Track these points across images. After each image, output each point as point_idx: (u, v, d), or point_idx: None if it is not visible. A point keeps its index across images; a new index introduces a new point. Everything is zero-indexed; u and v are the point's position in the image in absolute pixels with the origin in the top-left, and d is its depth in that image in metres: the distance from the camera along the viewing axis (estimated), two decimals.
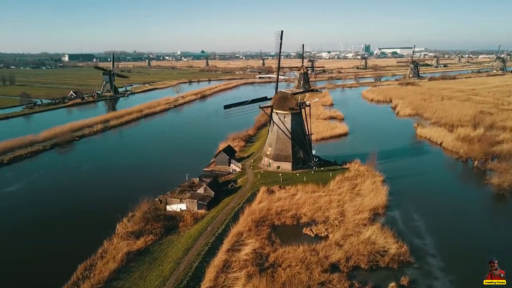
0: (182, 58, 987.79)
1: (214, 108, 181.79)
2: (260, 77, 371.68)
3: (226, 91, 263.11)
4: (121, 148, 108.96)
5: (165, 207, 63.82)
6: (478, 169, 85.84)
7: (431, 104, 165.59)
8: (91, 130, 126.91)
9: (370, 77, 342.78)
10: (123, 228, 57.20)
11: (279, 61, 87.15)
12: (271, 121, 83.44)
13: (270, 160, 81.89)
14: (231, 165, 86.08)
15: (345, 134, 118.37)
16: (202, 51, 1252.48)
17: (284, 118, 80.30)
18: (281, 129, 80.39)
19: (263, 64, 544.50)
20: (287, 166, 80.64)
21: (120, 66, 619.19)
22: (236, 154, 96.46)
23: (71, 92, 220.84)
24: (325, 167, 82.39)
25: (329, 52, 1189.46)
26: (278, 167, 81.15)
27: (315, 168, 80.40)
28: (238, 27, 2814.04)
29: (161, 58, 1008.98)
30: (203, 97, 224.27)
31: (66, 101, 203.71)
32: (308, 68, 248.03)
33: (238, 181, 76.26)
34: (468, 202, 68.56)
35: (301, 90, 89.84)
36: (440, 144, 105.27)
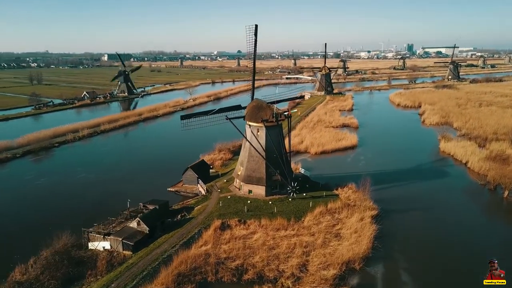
0: (218, 58, 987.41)
1: None
2: (287, 78, 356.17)
3: (244, 92, 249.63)
4: (95, 158, 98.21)
5: (88, 245, 51.23)
6: (509, 201, 66.93)
7: (465, 111, 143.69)
8: (76, 135, 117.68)
9: (405, 78, 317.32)
10: (21, 275, 45.04)
11: (254, 61, 72.05)
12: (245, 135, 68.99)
13: (240, 183, 67.43)
14: (198, 185, 72.46)
15: (352, 147, 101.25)
16: (239, 51, 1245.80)
17: (258, 132, 65.57)
18: (253, 145, 65.74)
19: (295, 64, 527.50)
20: (260, 190, 65.84)
21: (153, 65, 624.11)
22: (213, 170, 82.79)
23: (85, 92, 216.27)
24: (309, 193, 66.82)
25: (368, 51, 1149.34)
26: (250, 191, 66.53)
27: (293, 194, 65.07)
28: (275, 27, 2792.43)
29: (197, 58, 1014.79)
30: (218, 99, 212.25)
31: (76, 102, 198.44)
32: (332, 69, 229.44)
33: (196, 208, 62.50)
34: (491, 251, 50.74)
35: (294, 96, 74.38)
36: (465, 164, 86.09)
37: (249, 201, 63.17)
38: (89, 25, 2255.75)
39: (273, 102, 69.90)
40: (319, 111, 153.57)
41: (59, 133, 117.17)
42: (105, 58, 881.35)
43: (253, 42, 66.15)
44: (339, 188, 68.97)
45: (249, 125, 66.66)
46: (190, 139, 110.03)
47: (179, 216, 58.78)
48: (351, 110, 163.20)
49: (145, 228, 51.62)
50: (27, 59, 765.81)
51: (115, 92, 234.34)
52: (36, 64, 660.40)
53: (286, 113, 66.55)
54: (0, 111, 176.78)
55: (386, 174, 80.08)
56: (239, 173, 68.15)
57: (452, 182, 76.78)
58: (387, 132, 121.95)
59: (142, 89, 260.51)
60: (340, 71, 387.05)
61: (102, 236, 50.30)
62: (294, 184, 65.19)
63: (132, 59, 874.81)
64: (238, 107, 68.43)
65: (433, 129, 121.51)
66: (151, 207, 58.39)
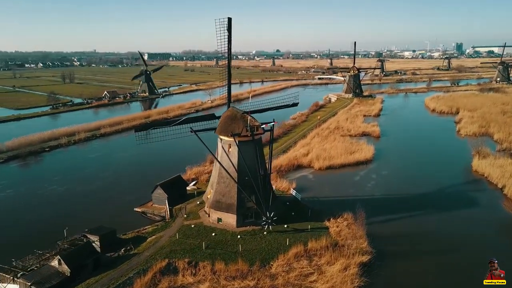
0: (255, 57, 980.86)
1: None
2: (319, 78, 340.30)
3: (269, 93, 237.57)
4: (78, 166, 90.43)
5: None
6: None
7: (510, 120, 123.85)
8: (71, 139, 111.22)
9: (447, 80, 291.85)
10: None
11: (229, 62, 60.00)
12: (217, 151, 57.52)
13: (210, 209, 56.03)
14: (166, 207, 61.87)
15: (365, 162, 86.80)
16: (277, 50, 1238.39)
17: (229, 148, 53.92)
18: (222, 165, 54.17)
19: (331, 63, 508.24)
20: (230, 219, 54.13)
21: (188, 65, 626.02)
22: (195, 187, 72.03)
23: (105, 92, 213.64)
24: (292, 224, 54.36)
25: (413, 51, 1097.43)
26: (219, 219, 54.98)
27: (268, 227, 52.79)
28: (315, 26, 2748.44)
29: (234, 57, 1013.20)
30: (238, 100, 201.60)
31: (93, 101, 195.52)
32: (362, 70, 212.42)
33: (149, 239, 51.82)
34: None
35: (283, 104, 62.01)
36: (501, 190, 69.62)
37: (214, 234, 51.70)
38: (133, 25, 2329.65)
39: (254, 112, 58.08)
40: (340, 117, 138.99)
41: (56, 136, 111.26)
42: (145, 57, 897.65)
43: (226, 39, 54.53)
44: (331, 219, 55.83)
45: (220, 139, 55.27)
46: (192, 146, 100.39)
47: (122, 250, 48.38)
48: (377, 115, 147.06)
49: (66, 269, 41.58)
50: (73, 58, 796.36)
51: (136, 92, 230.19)
52: (79, 63, 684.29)
53: (264, 126, 54.25)
54: (19, 110, 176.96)
55: (398, 200, 65.75)
56: (208, 196, 56.83)
57: (482, 215, 61.02)
58: (411, 144, 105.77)
59: (165, 89, 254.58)
60: (377, 71, 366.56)
61: (11, 278, 40.84)
62: (271, 214, 52.83)
63: (171, 58, 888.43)
64: (211, 117, 57.19)
65: (468, 141, 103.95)
66: (92, 237, 48.44)
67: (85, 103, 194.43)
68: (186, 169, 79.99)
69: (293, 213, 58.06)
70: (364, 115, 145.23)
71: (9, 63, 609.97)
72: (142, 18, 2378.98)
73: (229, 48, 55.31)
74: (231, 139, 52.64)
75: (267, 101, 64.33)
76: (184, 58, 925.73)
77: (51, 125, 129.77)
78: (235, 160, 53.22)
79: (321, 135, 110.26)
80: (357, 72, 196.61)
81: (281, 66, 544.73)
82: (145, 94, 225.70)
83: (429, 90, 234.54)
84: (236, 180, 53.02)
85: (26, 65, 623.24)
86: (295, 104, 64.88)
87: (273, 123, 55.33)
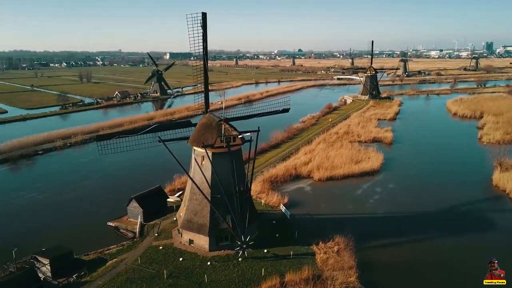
0: (277, 57, 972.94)
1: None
2: (338, 78, 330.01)
3: (284, 94, 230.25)
4: (65, 171, 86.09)
5: None
6: None
7: None
8: (68, 141, 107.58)
9: (473, 81, 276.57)
10: None
11: (205, 63, 53.20)
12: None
13: (181, 229, 49.70)
14: (138, 223, 55.93)
15: (372, 172, 78.63)
16: (299, 50, 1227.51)
17: (202, 160, 47.49)
18: (192, 180, 47.78)
19: (352, 63, 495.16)
20: (202, 242, 47.65)
21: (208, 65, 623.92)
22: (178, 198, 65.92)
23: (117, 92, 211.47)
24: (273, 248, 47.46)
25: (441, 50, 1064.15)
26: (191, 241, 48.61)
27: (244, 252, 45.97)
28: (338, 24, 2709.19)
29: (255, 57, 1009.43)
30: (249, 101, 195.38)
31: (102, 101, 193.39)
32: (380, 70, 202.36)
33: (109, 262, 45.88)
34: None
35: (272, 110, 54.94)
36: None
37: (182, 258, 45.35)
38: (157, 26, 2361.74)
39: (233, 119, 51.52)
40: (352, 120, 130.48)
41: (52, 138, 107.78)
42: (167, 56, 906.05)
43: (201, 37, 48.11)
44: (320, 242, 48.58)
45: (194, 150, 48.93)
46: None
47: (74, 276, 42.69)
48: (392, 119, 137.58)
49: None
50: (96, 57, 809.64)
51: (148, 92, 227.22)
52: (101, 63, 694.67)
53: (240, 136, 47.46)
54: (29, 109, 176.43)
55: (402, 220, 57.73)
56: (181, 214, 50.55)
57: (503, 242, 52.31)
58: (426, 152, 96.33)
59: (177, 89, 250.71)
60: (399, 71, 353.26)
61: None
62: (247, 238, 46.01)
63: (192, 58, 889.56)
64: (186, 124, 51.00)
65: (491, 150, 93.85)
66: (42, 259, 43.05)
67: (94, 103, 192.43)
68: (174, 177, 74.02)
69: (277, 235, 51.10)
70: (379, 119, 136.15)
71: (34, 62, 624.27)
72: (165, 18, 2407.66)
73: (205, 47, 48.84)
74: (204, 150, 46.21)
75: (257, 107, 57.55)
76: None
77: (55, 126, 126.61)
78: (208, 174, 46.74)
79: (328, 140, 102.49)
80: (374, 72, 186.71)
81: (301, 65, 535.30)
82: (156, 95, 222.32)
83: (453, 91, 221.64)
84: (209, 198, 46.52)
85: (51, 65, 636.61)
86: (285, 110, 57.89)
87: (248, 133, 47.86)
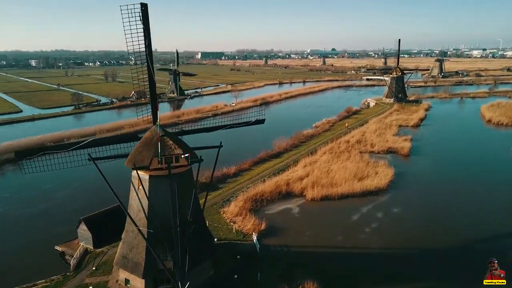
0: (309, 56, 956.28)
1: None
2: (367, 79, 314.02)
3: (304, 96, 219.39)
4: (42, 180, 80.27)
5: None
6: None
7: None
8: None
9: None
10: None
11: (150, 66, 44.17)
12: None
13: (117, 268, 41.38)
14: (79, 250, 48.18)
15: (376, 192, 67.33)
16: (333, 49, 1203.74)
17: (139, 185, 38.91)
18: (125, 209, 39.31)
19: (385, 63, 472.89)
20: (138, 283, 39.09)
21: (237, 64, 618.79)
22: None
23: (133, 92, 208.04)
24: None
25: (484, 49, 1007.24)
26: (127, 281, 40.19)
27: None
28: (374, 22, 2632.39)
29: (287, 56, 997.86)
30: (266, 103, 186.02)
31: (115, 101, 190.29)
32: (407, 71, 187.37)
33: None
34: None
35: (242, 122, 45.05)
36: None
37: None
38: (191, 25, 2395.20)
39: (185, 133, 42.89)
40: (370, 127, 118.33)
41: (45, 141, 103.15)
42: (199, 56, 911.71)
43: (142, 33, 39.55)
44: None
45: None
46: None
47: None
48: (416, 126, 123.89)
49: None
50: (130, 57, 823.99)
51: (166, 93, 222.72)
52: (133, 62, 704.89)
53: (187, 155, 38.40)
54: (44, 109, 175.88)
55: (399, 262, 46.61)
56: (119, 248, 42.21)
57: None
58: (447, 167, 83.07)
59: (196, 90, 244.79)
60: (435, 72, 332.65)
61: None
62: (186, 284, 36.98)
63: (223, 57, 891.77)
64: (130, 138, 42.71)
65: None
66: None
67: (109, 103, 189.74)
68: None
69: (235, 276, 41.81)
70: (400, 125, 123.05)
71: (70, 61, 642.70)
72: (198, 17, 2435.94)
73: (148, 46, 40.13)
74: (143, 173, 37.73)
75: (231, 119, 48.65)
76: (236, 57, 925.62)
77: (57, 127, 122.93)
78: (145, 202, 38.13)
79: (336, 151, 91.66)
80: (400, 74, 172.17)
81: (332, 65, 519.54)
82: (173, 95, 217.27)
83: (491, 94, 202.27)
84: (145, 231, 37.91)
85: (85, 64, 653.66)
86: (259, 122, 48.25)
87: (186, 155, 38.26)
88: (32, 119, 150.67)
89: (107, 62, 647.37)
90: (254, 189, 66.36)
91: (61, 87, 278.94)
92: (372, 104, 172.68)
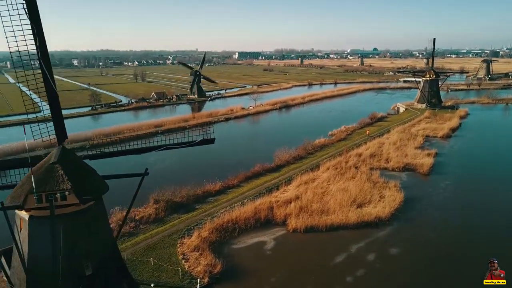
0: (348, 56, 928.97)
1: (263, 129, 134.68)
2: (405, 81, 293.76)
3: (330, 99, 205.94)
4: None
5: None
6: None
7: None
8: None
9: None
10: None
11: (45, 71, 34.86)
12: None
13: None
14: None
15: (376, 223, 55.22)
16: (375, 49, 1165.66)
17: (21, 226, 30.19)
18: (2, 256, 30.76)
19: (427, 63, 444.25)
20: None
21: (272, 64, 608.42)
22: None
23: (153, 93, 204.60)
24: None
25: None
26: None
27: None
28: (421, 21, 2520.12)
29: (326, 56, 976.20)
30: (286, 107, 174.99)
31: (133, 102, 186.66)
32: (443, 73, 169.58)
33: None
34: None
35: (184, 142, 35.37)
36: None
37: None
38: (229, 25, 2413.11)
39: (96, 157, 34.08)
40: (391, 137, 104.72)
41: (36, 147, 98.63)
42: (236, 56, 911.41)
43: (29, 32, 30.78)
44: None
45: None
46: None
47: None
48: (446, 137, 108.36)
49: None
50: (169, 56, 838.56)
51: (187, 94, 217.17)
52: (171, 61, 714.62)
53: (78, 192, 29.08)
54: (64, 109, 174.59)
55: None
56: None
57: None
58: (474, 194, 68.68)
59: (218, 92, 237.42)
60: (481, 73, 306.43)
61: None
62: None
63: (260, 57, 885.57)
64: (18, 163, 34.11)
65: None
66: None
67: (126, 104, 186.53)
68: (111, 212, 58.09)
69: None
70: (427, 136, 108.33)
71: (111, 61, 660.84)
72: (238, 18, 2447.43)
73: (40, 47, 31.23)
74: (23, 212, 29.12)
75: (171, 139, 39.41)
76: (273, 57, 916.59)
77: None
78: (25, 248, 29.44)
79: (343, 166, 79.76)
80: (434, 76, 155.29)
81: (370, 66, 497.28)
82: (194, 97, 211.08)
83: None
84: (24, 283, 29.25)
85: (124, 63, 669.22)
86: (207, 142, 38.49)
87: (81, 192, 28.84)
88: (43, 120, 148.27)
89: (144, 62, 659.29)
90: (229, 214, 56.50)
91: (90, 87, 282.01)
92: (401, 109, 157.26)
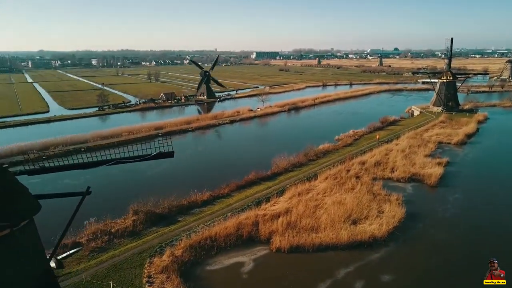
0: (368, 56, 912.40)
1: (258, 134, 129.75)
2: (423, 82, 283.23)
3: (343, 101, 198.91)
4: None
5: None
6: None
7: None
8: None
9: None
10: None
11: None
12: None
13: None
14: None
15: (370, 243, 49.50)
16: (395, 48, 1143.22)
17: None
18: None
19: (449, 64, 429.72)
20: None
21: (289, 64, 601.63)
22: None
23: (162, 93, 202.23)
24: None
25: None
26: None
27: None
28: (445, 21, 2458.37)
29: (345, 56, 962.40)
30: (296, 109, 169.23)
31: (140, 103, 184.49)
32: (461, 75, 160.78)
33: None
34: None
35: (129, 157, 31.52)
36: None
37: None
38: (247, 25, 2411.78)
39: (30, 172, 29.80)
40: (400, 143, 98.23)
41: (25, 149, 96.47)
42: (253, 56, 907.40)
43: None
44: None
45: None
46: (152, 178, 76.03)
47: None
48: (460, 144, 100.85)
49: None
50: (187, 56, 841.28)
51: (195, 95, 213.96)
52: (188, 61, 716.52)
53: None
54: (70, 110, 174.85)
55: None
56: None
57: None
58: (487, 209, 62.09)
59: (228, 92, 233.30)
60: (505, 74, 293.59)
61: None
62: None
63: (277, 57, 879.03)
64: None
65: None
66: None
67: (134, 104, 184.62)
68: (85, 224, 54.36)
69: None
70: (440, 142, 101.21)
71: (129, 61, 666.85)
72: (257, 17, 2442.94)
73: None
74: None
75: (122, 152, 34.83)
76: (291, 57, 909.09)
77: (62, 131, 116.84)
78: None
79: (343, 175, 74.09)
80: (451, 78, 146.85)
81: (389, 66, 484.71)
82: (203, 98, 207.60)
83: None
84: None
85: (142, 63, 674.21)
86: (164, 155, 33.81)
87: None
88: (48, 120, 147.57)
89: (162, 62, 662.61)
90: (208, 230, 51.83)
91: (104, 87, 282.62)
92: (416, 112, 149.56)
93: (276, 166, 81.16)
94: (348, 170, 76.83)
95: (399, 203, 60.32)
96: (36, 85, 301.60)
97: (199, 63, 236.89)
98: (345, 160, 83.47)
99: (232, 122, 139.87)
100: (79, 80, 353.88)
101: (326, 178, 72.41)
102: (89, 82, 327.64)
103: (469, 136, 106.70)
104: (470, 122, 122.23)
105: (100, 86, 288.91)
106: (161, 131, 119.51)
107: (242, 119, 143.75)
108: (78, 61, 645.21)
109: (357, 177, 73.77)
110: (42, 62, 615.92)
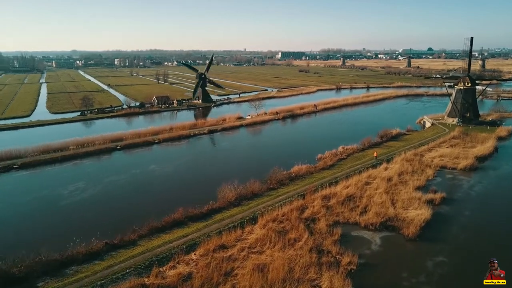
0: (399, 56, 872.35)
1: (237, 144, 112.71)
2: (449, 86, 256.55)
3: (352, 107, 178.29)
4: None
5: None
6: None
7: None
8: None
9: None
10: None
11: None
12: None
13: None
14: None
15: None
16: (429, 48, 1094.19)
17: None
18: None
19: (483, 66, 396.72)
20: None
21: (311, 65, 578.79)
22: None
23: (154, 97, 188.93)
24: None
25: None
26: None
27: None
28: (484, 18, 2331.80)
29: (374, 56, 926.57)
30: (291, 117, 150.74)
31: (122, 107, 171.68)
32: (480, 82, 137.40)
33: None
34: None
35: None
36: None
37: None
38: (270, 25, 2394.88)
39: None
40: (390, 168, 78.75)
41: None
42: (278, 56, 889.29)
43: None
44: None
45: None
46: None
47: None
48: (469, 169, 79.45)
49: None
50: (206, 56, 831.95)
51: (191, 99, 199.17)
52: (175, 64, 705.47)
53: None
54: (53, 114, 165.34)
55: None
56: None
57: None
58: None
59: (227, 96, 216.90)
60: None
61: None
62: None
63: (303, 57, 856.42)
64: None
65: None
66: None
67: (120, 109, 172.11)
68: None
69: None
70: (443, 167, 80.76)
71: (150, 61, 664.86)
72: (282, 17, 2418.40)
73: None
74: None
75: None
76: (318, 57, 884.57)
77: (31, 139, 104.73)
78: None
79: (290, 218, 56.16)
80: (470, 85, 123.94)
81: (417, 67, 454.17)
82: (197, 102, 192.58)
83: None
84: None
85: (164, 63, 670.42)
86: None
87: None
88: (21, 126, 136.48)
89: (182, 62, 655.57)
90: None
91: (110, 88, 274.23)
92: (428, 124, 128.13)
93: (221, 198, 64.39)
94: (303, 210, 58.76)
95: (346, 273, 42.09)
96: (44, 85, 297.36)
97: (210, 63, 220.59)
98: (307, 193, 65.17)
99: (211, 132, 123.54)
100: (89, 80, 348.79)
101: (267, 221, 54.69)
102: (98, 83, 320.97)
103: (481, 159, 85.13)
104: (489, 138, 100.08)
105: (106, 87, 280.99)
106: (120, 143, 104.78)
107: (224, 129, 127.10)
108: (102, 61, 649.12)
109: (313, 220, 55.75)
110: (67, 62, 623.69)
